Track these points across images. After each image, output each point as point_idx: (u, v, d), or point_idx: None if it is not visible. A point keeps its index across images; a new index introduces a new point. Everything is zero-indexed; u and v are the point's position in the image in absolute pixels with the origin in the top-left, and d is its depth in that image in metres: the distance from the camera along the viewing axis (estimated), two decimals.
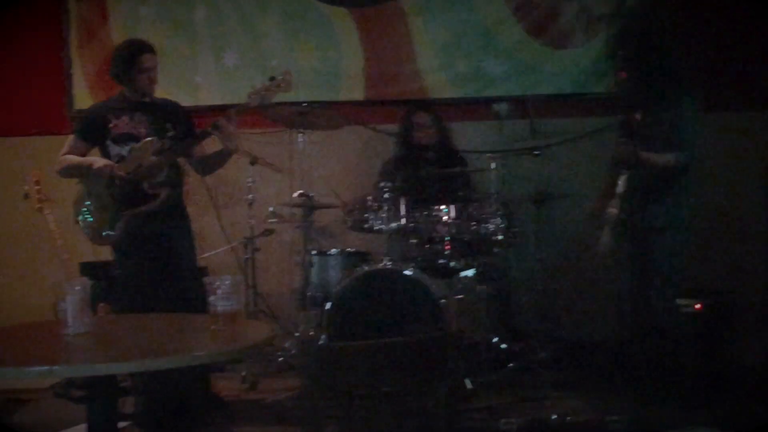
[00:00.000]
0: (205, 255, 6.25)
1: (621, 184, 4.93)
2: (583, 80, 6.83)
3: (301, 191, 5.98)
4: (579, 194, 6.40)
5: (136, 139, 5.18)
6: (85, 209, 5.24)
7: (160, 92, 5.51)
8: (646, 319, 5.12)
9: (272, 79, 5.17)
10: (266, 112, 6.00)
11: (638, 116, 4.93)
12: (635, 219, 5.11)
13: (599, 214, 5.24)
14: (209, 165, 5.43)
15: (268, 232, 6.41)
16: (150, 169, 5.12)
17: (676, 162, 5.04)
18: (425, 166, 6.29)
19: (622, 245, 5.19)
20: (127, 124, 5.20)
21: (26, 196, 6.02)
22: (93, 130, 5.26)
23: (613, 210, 4.98)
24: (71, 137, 5.32)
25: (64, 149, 5.29)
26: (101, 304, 5.67)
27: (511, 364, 5.77)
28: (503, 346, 5.87)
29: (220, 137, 5.12)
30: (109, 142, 5.20)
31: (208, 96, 7.07)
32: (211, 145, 5.31)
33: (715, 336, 5.64)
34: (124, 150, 5.17)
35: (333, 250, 6.14)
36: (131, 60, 5.19)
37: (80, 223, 5.27)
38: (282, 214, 6.35)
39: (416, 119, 6.42)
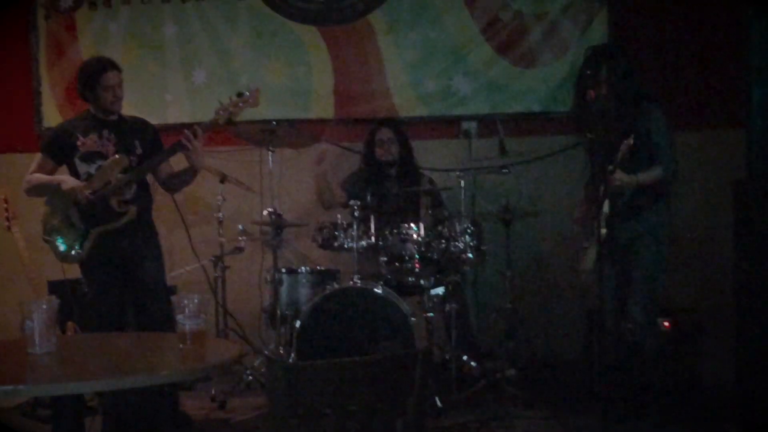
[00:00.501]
0: (174, 273, 6.23)
1: (607, 204, 4.92)
2: (551, 99, 6.84)
3: (270, 209, 5.97)
4: (548, 212, 6.43)
5: (103, 156, 5.17)
6: (53, 228, 5.21)
7: (129, 109, 5.50)
8: (620, 337, 5.12)
9: (240, 95, 5.19)
10: (236, 130, 5.99)
11: (631, 141, 4.88)
12: (618, 236, 5.08)
13: (583, 226, 5.27)
14: (177, 182, 5.42)
15: (238, 250, 6.39)
16: (118, 186, 5.11)
17: (665, 173, 5.08)
18: (387, 182, 6.31)
19: (605, 264, 5.17)
20: (95, 142, 5.19)
21: None
22: (60, 149, 5.25)
23: (601, 230, 4.96)
24: (38, 156, 5.31)
25: (31, 168, 5.27)
26: (69, 323, 5.64)
27: (480, 383, 5.78)
28: (473, 363, 5.89)
29: (187, 154, 5.13)
30: (76, 160, 5.19)
31: (177, 114, 7.05)
32: (179, 163, 5.31)
33: (682, 354, 5.69)
34: (92, 168, 5.17)
35: (302, 268, 6.12)
36: (95, 77, 5.18)
37: (48, 241, 5.25)
38: (251, 232, 6.34)
39: (379, 135, 6.43)
